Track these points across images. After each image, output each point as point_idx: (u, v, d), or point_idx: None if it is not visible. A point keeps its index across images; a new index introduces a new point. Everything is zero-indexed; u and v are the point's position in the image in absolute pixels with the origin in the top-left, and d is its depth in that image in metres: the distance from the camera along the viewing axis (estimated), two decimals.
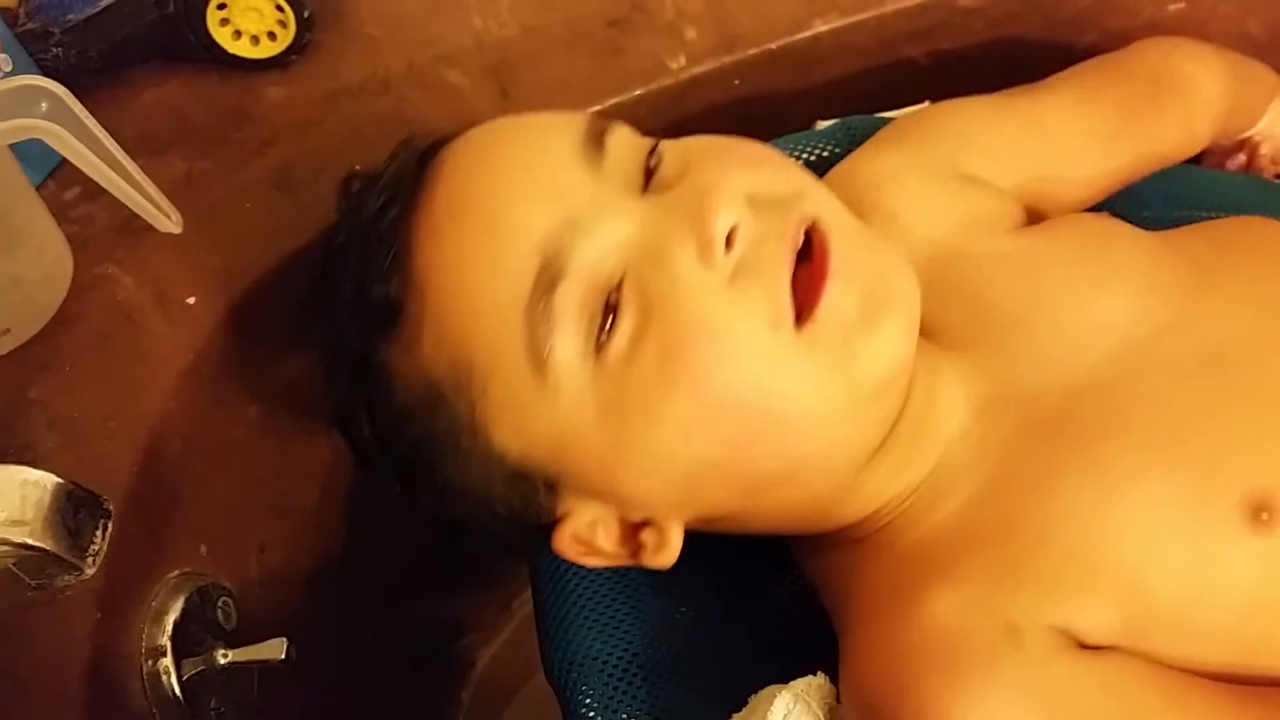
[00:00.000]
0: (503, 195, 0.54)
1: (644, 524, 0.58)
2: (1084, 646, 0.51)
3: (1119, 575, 0.51)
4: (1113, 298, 0.59)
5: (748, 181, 0.54)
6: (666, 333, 0.51)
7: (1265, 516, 0.51)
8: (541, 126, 0.57)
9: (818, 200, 0.55)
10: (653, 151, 0.56)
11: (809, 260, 0.53)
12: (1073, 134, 0.73)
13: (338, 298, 0.58)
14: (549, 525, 0.58)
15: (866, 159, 0.71)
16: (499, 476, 0.56)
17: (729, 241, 0.51)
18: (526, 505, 0.57)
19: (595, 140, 0.55)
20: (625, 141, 0.56)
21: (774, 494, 0.56)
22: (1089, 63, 0.77)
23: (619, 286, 0.52)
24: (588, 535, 0.58)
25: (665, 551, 0.58)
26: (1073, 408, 0.56)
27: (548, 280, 0.52)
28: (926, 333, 0.60)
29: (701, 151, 0.56)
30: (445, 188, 0.56)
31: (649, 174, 0.55)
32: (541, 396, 0.53)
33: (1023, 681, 0.49)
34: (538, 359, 0.52)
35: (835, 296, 0.52)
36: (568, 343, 0.52)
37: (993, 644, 0.50)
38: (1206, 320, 0.58)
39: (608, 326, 0.52)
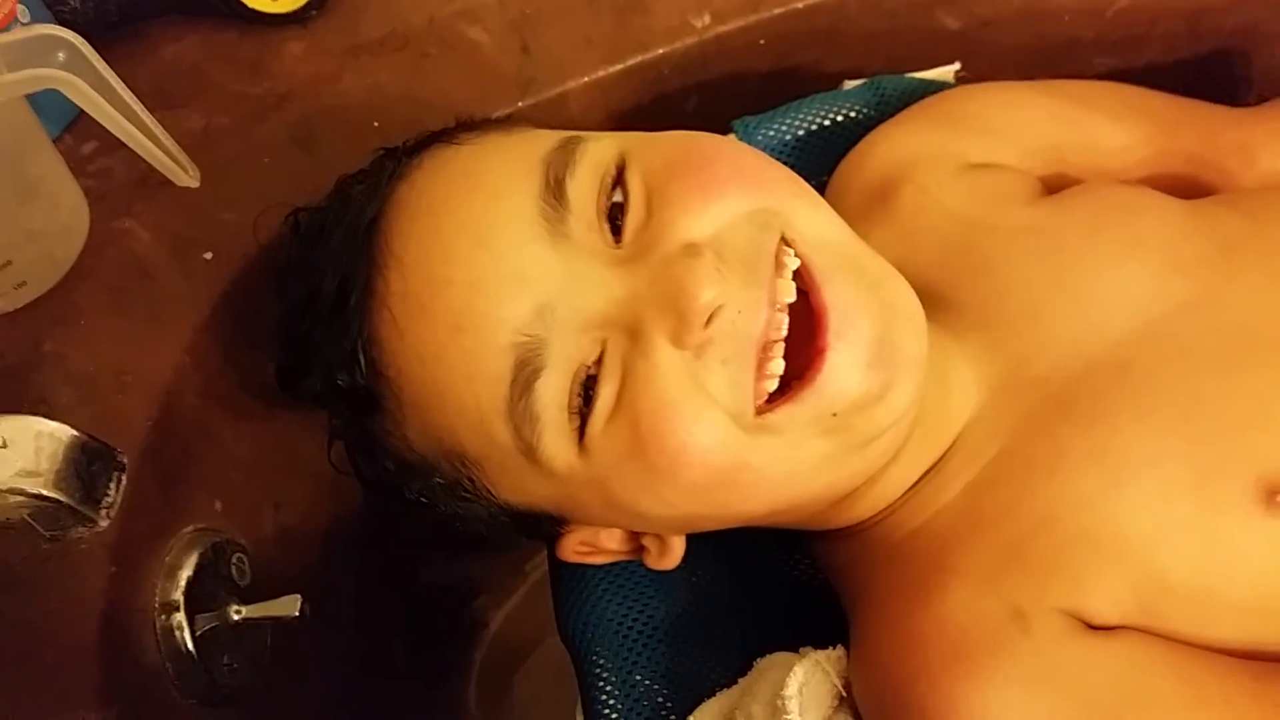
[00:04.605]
0: (464, 290, 0.51)
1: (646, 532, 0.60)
2: (1094, 628, 0.51)
3: (1128, 557, 0.51)
4: (1132, 273, 0.58)
5: (718, 216, 0.52)
6: (637, 413, 0.51)
7: (1279, 498, 0.51)
8: (494, 188, 0.53)
9: (792, 216, 0.53)
10: (615, 186, 0.53)
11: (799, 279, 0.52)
12: (1100, 105, 0.71)
13: (307, 374, 0.58)
14: (553, 537, 0.61)
15: (909, 132, 0.69)
16: (504, 515, 0.58)
17: (708, 320, 0.50)
18: (533, 528, 0.60)
19: (556, 193, 0.52)
20: (587, 186, 0.53)
21: (773, 517, 0.57)
22: None
23: (599, 359, 0.51)
24: (592, 539, 0.61)
25: (667, 558, 0.61)
26: (1085, 387, 0.56)
27: (526, 377, 0.51)
28: (941, 312, 0.59)
29: (663, 180, 0.53)
30: (401, 277, 0.53)
31: (614, 217, 0.53)
32: (537, 473, 0.54)
33: (1031, 667, 0.49)
34: (527, 450, 0.52)
35: (836, 371, 0.51)
36: (553, 434, 0.52)
37: (1000, 630, 0.50)
38: (1230, 297, 0.57)
39: (587, 405, 0.52)
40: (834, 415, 0.51)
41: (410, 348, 0.53)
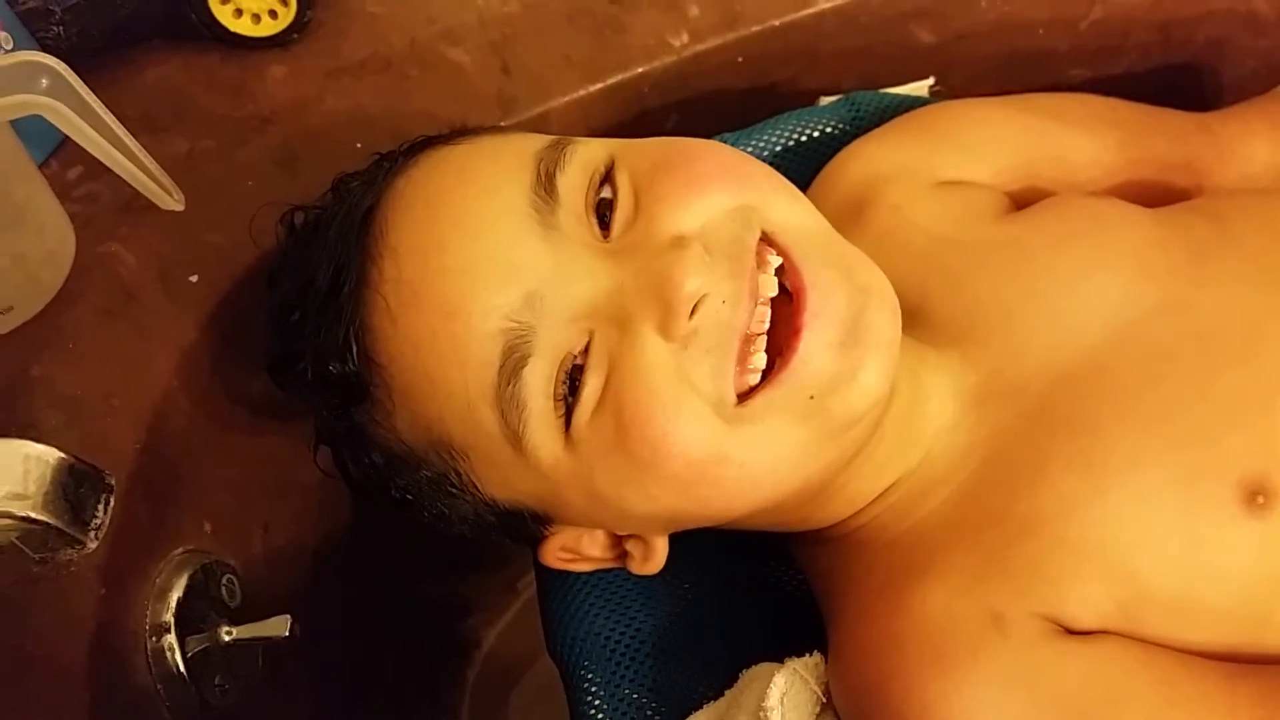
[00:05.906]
0: (456, 278, 0.52)
1: (629, 535, 0.60)
2: (1074, 632, 0.51)
3: (1110, 562, 0.51)
4: (1103, 281, 0.59)
5: (703, 211, 0.53)
6: (621, 404, 0.51)
7: (1261, 500, 0.51)
8: (487, 183, 0.55)
9: (771, 210, 0.55)
10: (603, 183, 0.55)
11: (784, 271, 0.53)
12: (1070, 117, 0.72)
13: (298, 363, 0.58)
14: (537, 539, 0.61)
15: (883, 148, 0.70)
16: (489, 514, 0.58)
17: (693, 309, 0.51)
18: (516, 529, 0.59)
19: (546, 187, 0.54)
20: (576, 182, 0.55)
21: (754, 517, 0.57)
22: None
23: (586, 349, 0.52)
24: (574, 545, 0.61)
25: (651, 561, 0.61)
26: (1063, 395, 0.56)
27: (514, 363, 0.51)
28: (916, 328, 0.60)
29: (649, 178, 0.55)
30: (395, 265, 0.54)
31: (602, 213, 0.54)
32: (522, 464, 0.54)
33: (1006, 667, 0.50)
34: (513, 439, 0.53)
35: (811, 349, 0.51)
36: (539, 422, 0.52)
37: (977, 631, 0.51)
38: (1201, 301, 0.57)
39: (573, 395, 0.52)
40: (811, 398, 0.52)
41: (403, 334, 0.54)
